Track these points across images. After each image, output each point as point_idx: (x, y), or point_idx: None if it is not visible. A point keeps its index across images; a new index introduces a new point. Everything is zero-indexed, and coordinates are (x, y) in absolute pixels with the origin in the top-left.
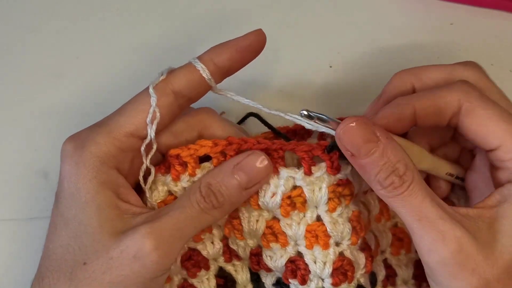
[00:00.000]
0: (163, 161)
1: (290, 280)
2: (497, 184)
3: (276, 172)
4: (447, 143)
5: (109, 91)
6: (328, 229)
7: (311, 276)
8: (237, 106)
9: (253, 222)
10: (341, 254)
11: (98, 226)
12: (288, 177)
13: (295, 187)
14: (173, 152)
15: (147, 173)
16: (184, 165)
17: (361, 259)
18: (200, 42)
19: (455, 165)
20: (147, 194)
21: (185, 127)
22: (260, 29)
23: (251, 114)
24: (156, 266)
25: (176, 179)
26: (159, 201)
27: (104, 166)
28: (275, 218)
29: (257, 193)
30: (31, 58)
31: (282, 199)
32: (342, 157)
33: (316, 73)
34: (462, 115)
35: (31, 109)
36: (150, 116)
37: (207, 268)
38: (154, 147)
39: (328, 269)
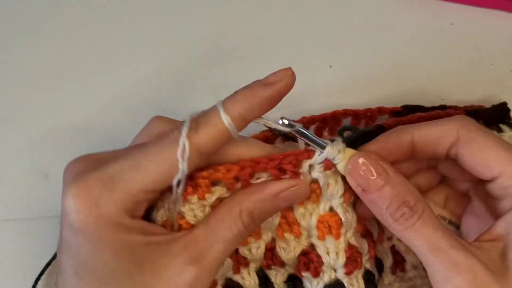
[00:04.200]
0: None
1: (303, 273)
2: (498, 216)
3: (298, 176)
4: (434, 187)
5: (109, 91)
6: (343, 220)
7: (323, 267)
8: None
9: None
10: (348, 242)
11: (136, 267)
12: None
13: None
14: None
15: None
16: (195, 187)
17: (364, 244)
18: (201, 42)
19: (446, 210)
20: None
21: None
22: (290, 70)
23: None
24: None
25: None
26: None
27: (126, 219)
28: (289, 208)
29: None
30: (31, 58)
31: None
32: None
33: (316, 73)
34: (462, 143)
35: (31, 109)
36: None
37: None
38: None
39: (342, 259)
